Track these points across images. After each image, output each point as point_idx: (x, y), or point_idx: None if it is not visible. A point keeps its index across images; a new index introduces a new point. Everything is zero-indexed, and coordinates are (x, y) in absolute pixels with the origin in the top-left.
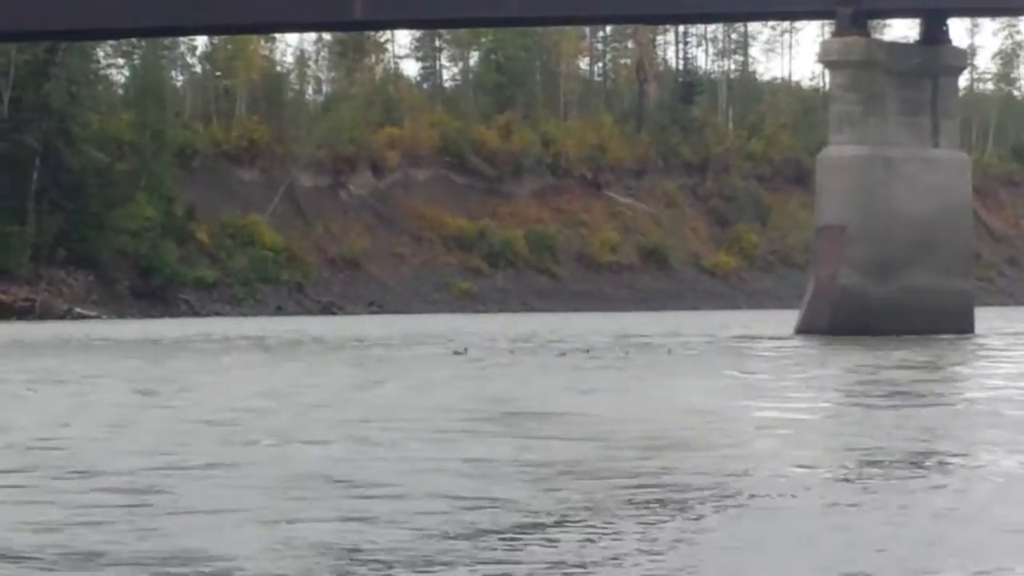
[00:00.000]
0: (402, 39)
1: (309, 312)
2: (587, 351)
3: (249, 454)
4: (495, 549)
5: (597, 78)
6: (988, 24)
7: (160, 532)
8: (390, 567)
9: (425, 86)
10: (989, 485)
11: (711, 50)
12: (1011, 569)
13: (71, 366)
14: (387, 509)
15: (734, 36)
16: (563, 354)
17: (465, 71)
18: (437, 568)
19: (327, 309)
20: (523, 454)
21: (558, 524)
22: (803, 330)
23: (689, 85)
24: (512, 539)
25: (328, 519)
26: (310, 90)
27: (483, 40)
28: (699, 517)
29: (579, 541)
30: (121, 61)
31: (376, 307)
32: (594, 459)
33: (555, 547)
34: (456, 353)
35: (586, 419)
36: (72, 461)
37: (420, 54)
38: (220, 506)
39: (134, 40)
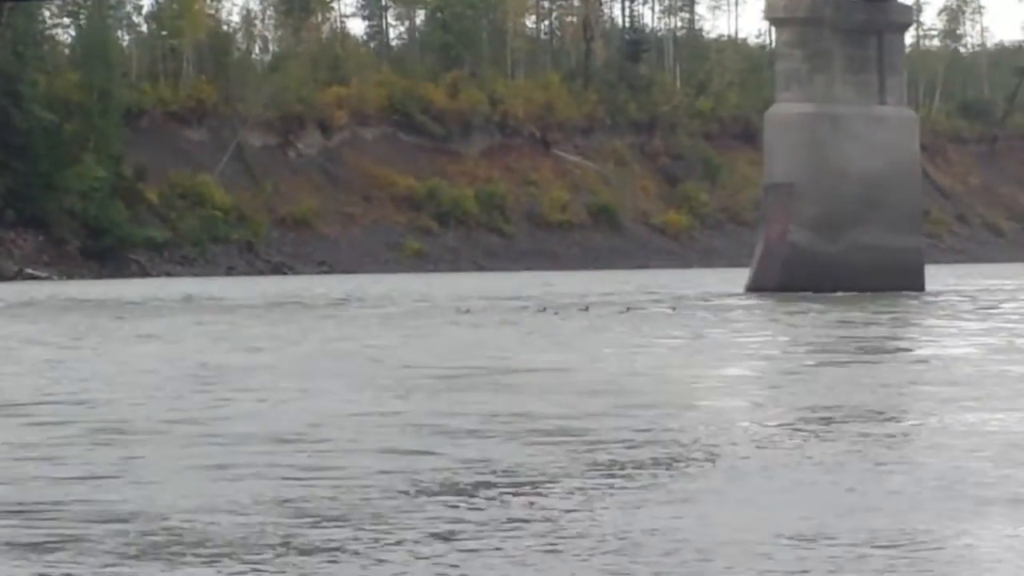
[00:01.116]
0: None
1: (260, 272)
2: (626, 309)
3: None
4: (455, 506)
5: (544, 36)
6: None
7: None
8: (341, 523)
9: (372, 45)
10: (940, 440)
11: (657, 7)
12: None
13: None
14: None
15: None
16: (623, 310)
17: (412, 30)
18: (381, 525)
19: (278, 269)
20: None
21: (512, 484)
22: (753, 288)
23: (636, 43)
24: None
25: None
26: (257, 49)
27: None
28: (645, 476)
29: (523, 501)
30: (67, 21)
31: (326, 267)
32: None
33: (504, 506)
34: (460, 312)
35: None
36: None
37: (366, 13)
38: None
39: (80, 0)
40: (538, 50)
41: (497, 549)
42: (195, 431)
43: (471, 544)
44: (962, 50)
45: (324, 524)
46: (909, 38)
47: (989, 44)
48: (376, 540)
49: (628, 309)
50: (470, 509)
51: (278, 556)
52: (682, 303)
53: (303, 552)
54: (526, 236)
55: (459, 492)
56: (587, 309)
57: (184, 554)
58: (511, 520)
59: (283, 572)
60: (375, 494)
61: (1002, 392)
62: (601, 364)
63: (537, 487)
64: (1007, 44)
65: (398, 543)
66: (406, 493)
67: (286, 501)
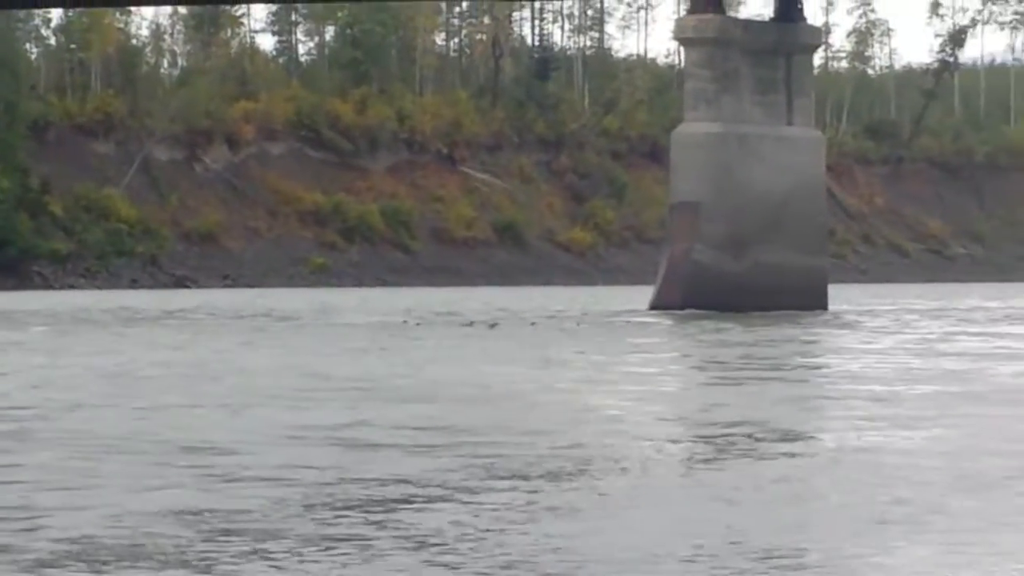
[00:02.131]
0: (258, 13)
1: (164, 285)
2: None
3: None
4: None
5: (453, 53)
6: (843, 2)
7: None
8: (235, 535)
9: (281, 60)
10: (832, 459)
11: (567, 26)
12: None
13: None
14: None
15: (590, 12)
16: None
17: (321, 45)
18: (263, 537)
19: (181, 282)
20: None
21: (411, 499)
22: (657, 306)
23: (545, 61)
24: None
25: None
26: (165, 64)
27: (339, 15)
28: (535, 491)
29: (421, 514)
30: None
31: (230, 281)
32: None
33: (421, 522)
34: (405, 322)
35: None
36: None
37: (276, 28)
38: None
39: None
40: (447, 67)
41: (383, 560)
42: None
43: (360, 557)
44: (870, 72)
45: (215, 536)
46: (817, 59)
47: (897, 66)
48: (254, 552)
49: (533, 324)
50: (365, 523)
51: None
52: (586, 319)
53: (182, 564)
54: (431, 252)
55: (357, 504)
56: (534, 324)
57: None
58: (400, 535)
59: None
60: (258, 506)
61: (900, 411)
62: (499, 378)
63: (429, 501)
64: (915, 66)
65: (280, 553)
66: (297, 505)
67: (174, 512)
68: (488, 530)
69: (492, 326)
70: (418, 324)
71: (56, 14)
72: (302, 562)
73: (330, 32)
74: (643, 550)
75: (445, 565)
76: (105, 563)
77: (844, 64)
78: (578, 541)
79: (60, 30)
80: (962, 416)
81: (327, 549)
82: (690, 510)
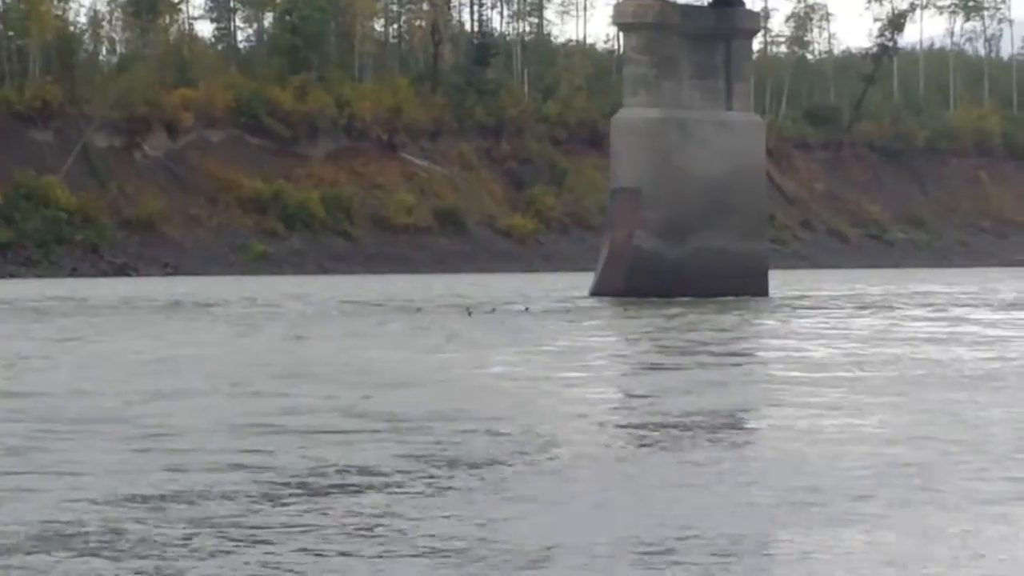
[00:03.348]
0: (196, 0)
1: (104, 273)
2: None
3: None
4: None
5: (392, 40)
6: None
7: None
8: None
9: (220, 47)
10: (774, 445)
11: (506, 12)
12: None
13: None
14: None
15: None
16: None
17: (260, 32)
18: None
19: (122, 271)
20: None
21: (350, 485)
22: (598, 292)
23: (484, 47)
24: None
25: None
26: (104, 51)
27: (278, 1)
28: (470, 476)
29: (355, 502)
30: None
31: (171, 269)
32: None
33: (358, 508)
34: (417, 310)
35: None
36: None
37: (214, 15)
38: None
39: None
40: (386, 54)
41: (317, 551)
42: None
43: (285, 547)
44: (809, 57)
45: (150, 523)
46: (757, 44)
47: (836, 51)
48: (190, 539)
49: (470, 312)
50: (302, 511)
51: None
52: (525, 305)
53: (117, 550)
54: (372, 239)
55: (281, 493)
56: (469, 313)
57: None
58: (336, 522)
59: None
60: (198, 493)
61: (839, 394)
62: (440, 364)
63: (366, 487)
64: (854, 51)
65: (209, 543)
66: (245, 493)
67: (112, 500)
68: (421, 518)
69: (470, 313)
70: (418, 310)
71: None
72: (239, 548)
73: (269, 19)
74: (568, 537)
75: (379, 555)
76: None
77: (783, 49)
78: (507, 527)
79: None
80: (899, 400)
81: (263, 538)
82: (622, 496)
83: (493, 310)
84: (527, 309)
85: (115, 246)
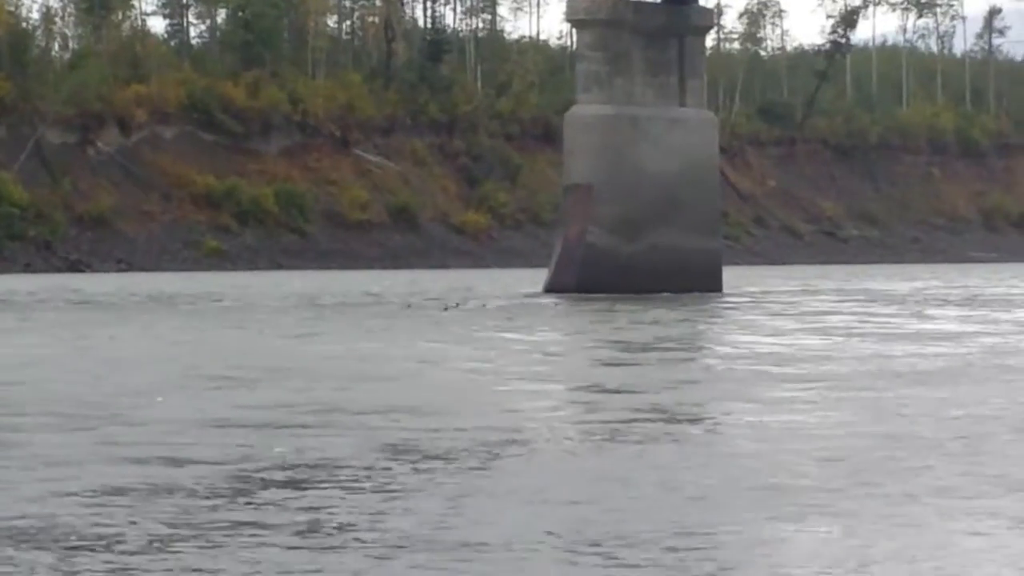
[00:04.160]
0: None
1: (57, 269)
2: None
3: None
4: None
5: (346, 36)
6: None
7: None
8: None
9: (172, 43)
10: (727, 438)
11: (459, 8)
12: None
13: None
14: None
15: None
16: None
17: (212, 28)
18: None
19: (75, 267)
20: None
21: (303, 479)
22: (551, 288)
23: (437, 43)
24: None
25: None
26: (56, 47)
27: None
28: (418, 471)
29: (319, 495)
30: None
31: (125, 265)
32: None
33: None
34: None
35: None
36: None
37: (167, 11)
38: None
39: None
40: (339, 50)
41: (249, 547)
42: None
43: (213, 542)
44: (762, 53)
45: (105, 519)
46: (710, 41)
47: (789, 48)
48: (147, 534)
49: (409, 306)
50: (228, 508)
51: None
52: (469, 302)
53: (67, 548)
54: (325, 235)
55: (249, 486)
56: (447, 308)
57: None
58: (282, 517)
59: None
60: (151, 488)
61: (791, 390)
62: (392, 358)
63: (314, 480)
64: (807, 48)
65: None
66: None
67: (65, 493)
68: (373, 512)
69: (445, 309)
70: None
71: None
72: (191, 546)
73: (221, 15)
74: (515, 529)
75: (328, 547)
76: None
77: (736, 46)
78: (465, 521)
79: None
80: (850, 396)
81: (213, 536)
82: (571, 489)
83: (446, 308)
84: (484, 305)
85: (68, 242)
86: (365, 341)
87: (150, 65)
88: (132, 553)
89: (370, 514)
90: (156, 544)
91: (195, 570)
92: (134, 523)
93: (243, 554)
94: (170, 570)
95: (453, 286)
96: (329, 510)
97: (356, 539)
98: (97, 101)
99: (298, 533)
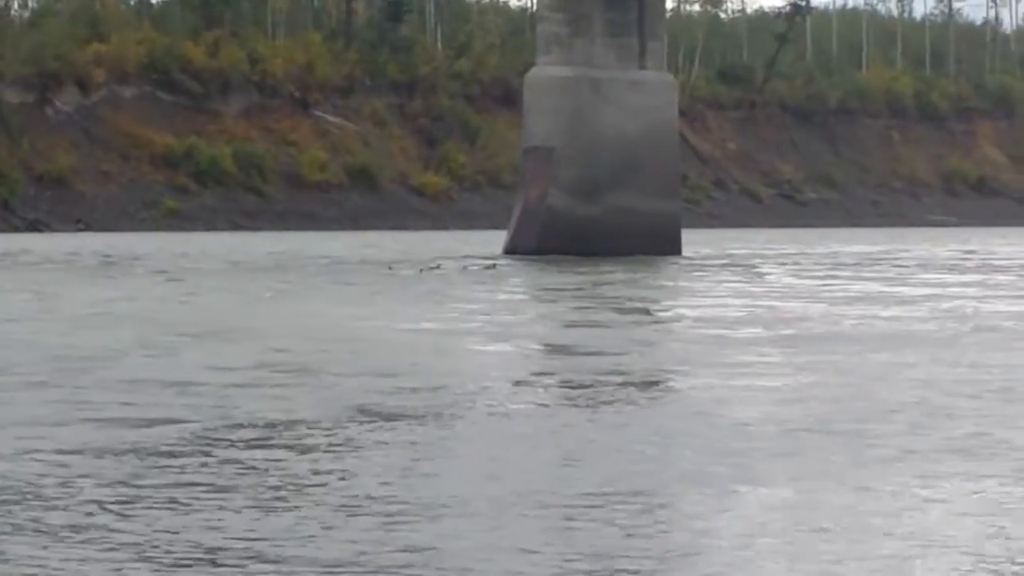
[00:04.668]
0: None
1: (16, 229)
2: (388, 268)
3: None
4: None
5: None
6: None
7: None
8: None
9: (132, 2)
10: (687, 403)
11: None
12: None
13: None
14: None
15: None
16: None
17: None
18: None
19: (33, 227)
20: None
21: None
22: (511, 250)
23: (397, 4)
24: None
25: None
26: (16, 5)
27: None
28: (374, 431)
29: (272, 457)
30: None
31: (83, 225)
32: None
33: (249, 463)
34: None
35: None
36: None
37: None
38: None
39: None
40: (299, 10)
41: (210, 510)
42: None
43: (191, 502)
44: (722, 16)
45: (62, 480)
46: (670, 3)
47: (749, 10)
48: (96, 500)
49: (391, 268)
50: (183, 469)
51: None
52: (429, 263)
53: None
54: (284, 196)
55: (206, 448)
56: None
57: None
58: (237, 478)
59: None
60: (107, 452)
61: (752, 354)
62: (356, 320)
63: (264, 440)
64: (767, 10)
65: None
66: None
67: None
68: (314, 473)
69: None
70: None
71: None
72: (149, 510)
73: None
74: (473, 490)
75: (286, 507)
76: None
77: (696, 8)
78: (417, 481)
79: None
80: (812, 360)
81: (175, 498)
82: (529, 452)
83: (422, 270)
84: (439, 266)
85: (26, 202)
86: (338, 305)
87: (110, 24)
88: (76, 513)
89: (322, 473)
90: (111, 506)
91: (157, 531)
92: (80, 486)
93: (199, 516)
94: (124, 532)
95: (414, 248)
96: (283, 470)
97: (313, 500)
98: (56, 60)
99: (263, 493)
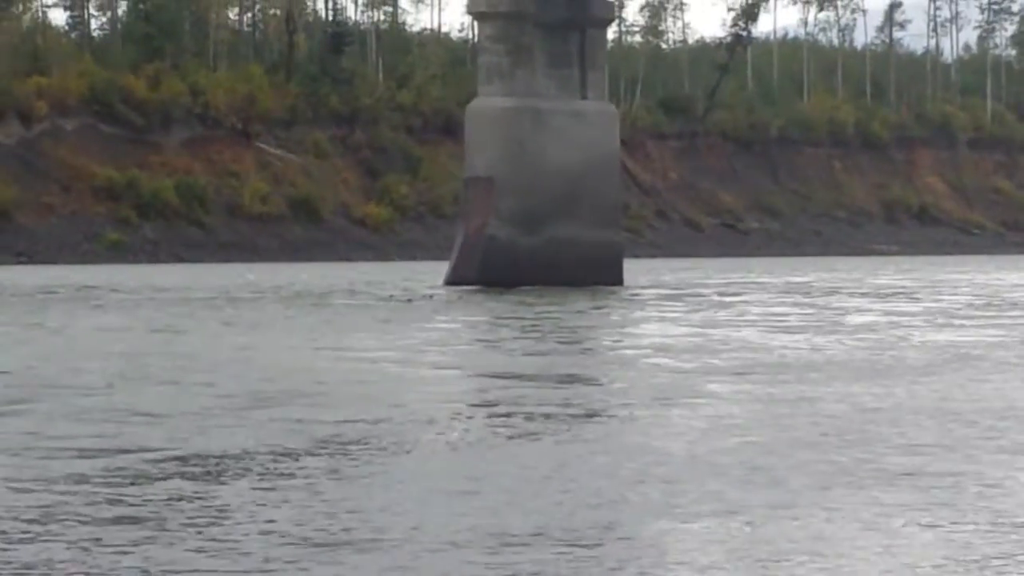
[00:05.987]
0: None
1: None
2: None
3: None
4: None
5: (247, 28)
6: None
7: None
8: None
9: (73, 35)
10: (629, 433)
11: (360, 1)
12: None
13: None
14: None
15: None
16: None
17: (114, 20)
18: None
19: None
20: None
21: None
22: (453, 281)
23: (339, 36)
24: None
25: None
26: None
27: None
28: (315, 463)
29: (199, 489)
30: None
31: (25, 258)
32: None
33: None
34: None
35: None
36: None
37: (68, 3)
38: None
39: None
40: (241, 42)
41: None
42: None
43: (104, 536)
44: (664, 46)
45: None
46: (611, 34)
47: (691, 40)
48: (38, 531)
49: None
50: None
51: None
52: (390, 294)
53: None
54: (226, 228)
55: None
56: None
57: None
58: (177, 511)
59: None
60: (45, 481)
61: (694, 382)
62: (296, 351)
63: (207, 473)
64: (708, 40)
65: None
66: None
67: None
68: (262, 503)
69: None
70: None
71: None
72: (87, 540)
73: (123, 7)
74: (414, 522)
75: (219, 538)
76: None
77: (638, 39)
78: (346, 515)
79: None
80: (754, 389)
81: (110, 528)
82: (470, 485)
83: (411, 300)
84: (391, 297)
85: None
86: (288, 334)
87: (51, 57)
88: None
89: (262, 506)
90: (31, 535)
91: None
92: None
93: (136, 551)
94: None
95: (362, 279)
96: (223, 501)
97: (257, 532)
98: None
99: (199, 522)
